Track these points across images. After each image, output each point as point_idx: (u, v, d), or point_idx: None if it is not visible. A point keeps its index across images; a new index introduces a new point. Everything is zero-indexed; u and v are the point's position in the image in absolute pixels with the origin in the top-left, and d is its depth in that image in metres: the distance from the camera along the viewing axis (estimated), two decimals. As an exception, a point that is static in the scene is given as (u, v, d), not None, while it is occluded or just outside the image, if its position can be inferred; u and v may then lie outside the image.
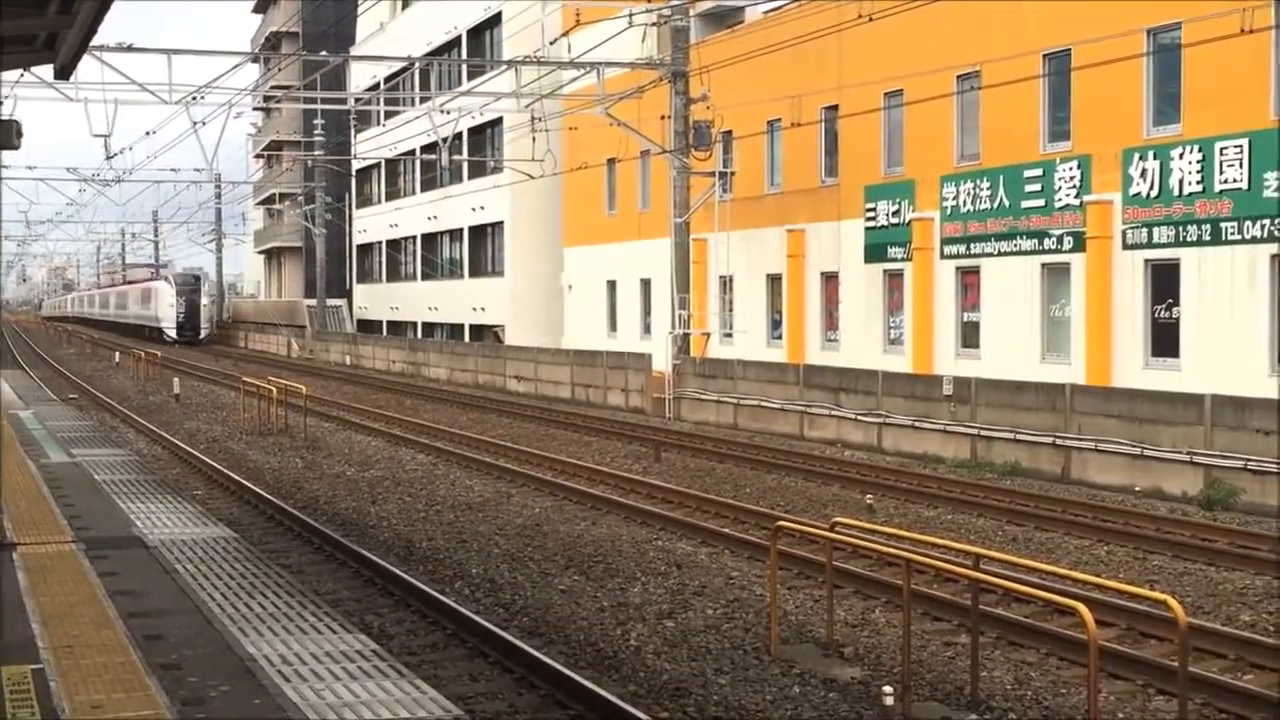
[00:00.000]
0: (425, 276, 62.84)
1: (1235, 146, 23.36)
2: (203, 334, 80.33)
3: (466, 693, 10.45)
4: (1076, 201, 26.67)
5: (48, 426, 25.74)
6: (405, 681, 8.71)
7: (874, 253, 32.67)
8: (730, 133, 36.38)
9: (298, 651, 9.42)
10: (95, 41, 13.60)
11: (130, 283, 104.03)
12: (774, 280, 36.81)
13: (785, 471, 23.26)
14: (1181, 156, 24.41)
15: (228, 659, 9.10)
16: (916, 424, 25.62)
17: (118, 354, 60.45)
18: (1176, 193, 24.50)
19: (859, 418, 27.18)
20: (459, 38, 58.70)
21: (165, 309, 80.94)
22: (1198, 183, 24.09)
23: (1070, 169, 26.83)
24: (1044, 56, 27.38)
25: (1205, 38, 22.74)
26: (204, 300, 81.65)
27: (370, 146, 64.65)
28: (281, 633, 9.97)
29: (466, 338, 55.93)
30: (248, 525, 17.80)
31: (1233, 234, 23.48)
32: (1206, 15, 22.87)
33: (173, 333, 79.39)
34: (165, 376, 46.10)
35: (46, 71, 13.81)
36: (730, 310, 38.14)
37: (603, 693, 9.95)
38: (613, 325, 45.85)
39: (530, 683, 10.62)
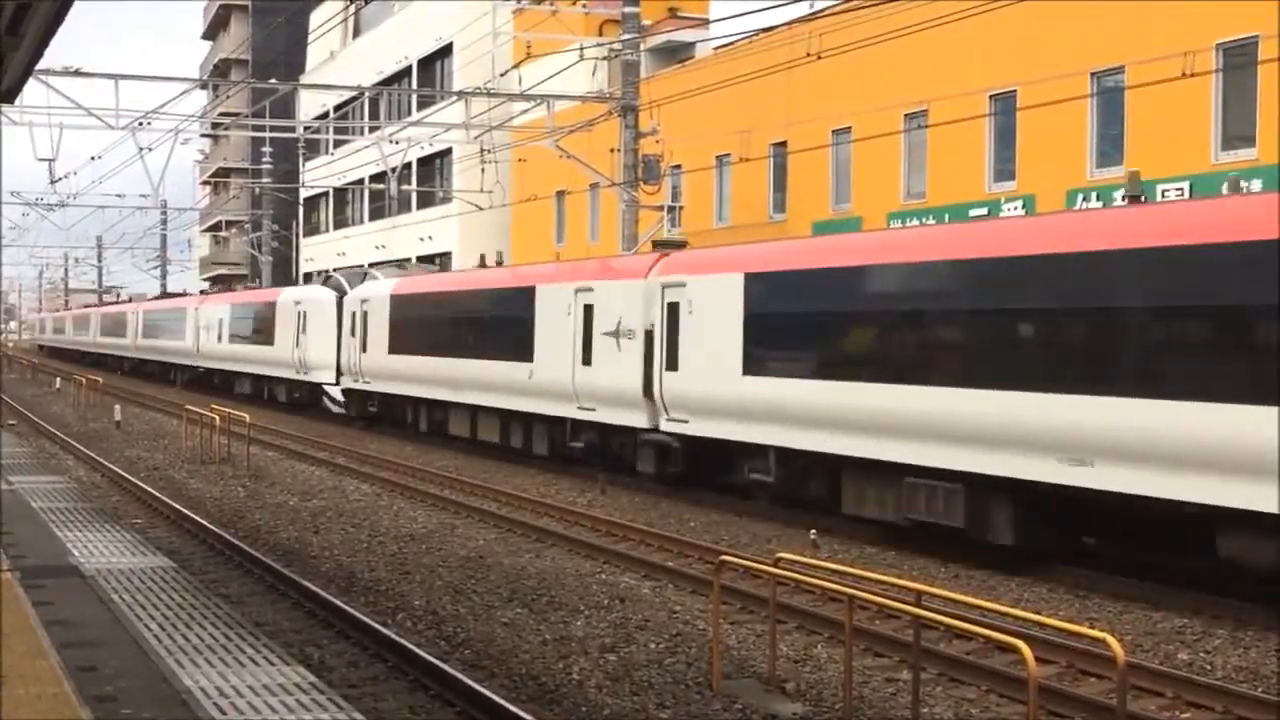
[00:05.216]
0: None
1: (1177, 189, 23.64)
2: None
3: (406, 726, 10.36)
4: (1021, 241, 26.87)
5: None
6: (344, 715, 8.63)
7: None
8: (679, 167, 36.50)
9: (235, 684, 9.32)
10: (41, 65, 13.50)
11: None
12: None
13: (730, 506, 23.24)
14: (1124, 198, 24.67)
15: (164, 691, 8.99)
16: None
17: (58, 379, 59.80)
18: (1119, 233, 24.74)
19: (804, 453, 27.15)
20: (409, 68, 58.74)
21: None
22: (1140, 224, 24.33)
23: (1015, 209, 27.08)
24: (990, 97, 27.66)
25: (1148, 79, 23.05)
26: None
27: (319, 175, 64.47)
28: (219, 664, 9.86)
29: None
30: (187, 555, 17.61)
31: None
32: (1150, 59, 23.19)
33: None
34: (106, 403, 45.62)
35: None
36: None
37: (544, 727, 9.91)
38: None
39: (471, 716, 10.55)
